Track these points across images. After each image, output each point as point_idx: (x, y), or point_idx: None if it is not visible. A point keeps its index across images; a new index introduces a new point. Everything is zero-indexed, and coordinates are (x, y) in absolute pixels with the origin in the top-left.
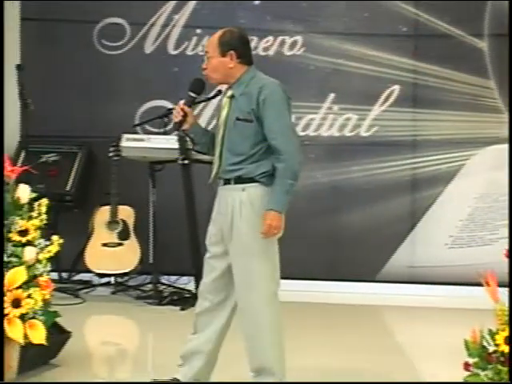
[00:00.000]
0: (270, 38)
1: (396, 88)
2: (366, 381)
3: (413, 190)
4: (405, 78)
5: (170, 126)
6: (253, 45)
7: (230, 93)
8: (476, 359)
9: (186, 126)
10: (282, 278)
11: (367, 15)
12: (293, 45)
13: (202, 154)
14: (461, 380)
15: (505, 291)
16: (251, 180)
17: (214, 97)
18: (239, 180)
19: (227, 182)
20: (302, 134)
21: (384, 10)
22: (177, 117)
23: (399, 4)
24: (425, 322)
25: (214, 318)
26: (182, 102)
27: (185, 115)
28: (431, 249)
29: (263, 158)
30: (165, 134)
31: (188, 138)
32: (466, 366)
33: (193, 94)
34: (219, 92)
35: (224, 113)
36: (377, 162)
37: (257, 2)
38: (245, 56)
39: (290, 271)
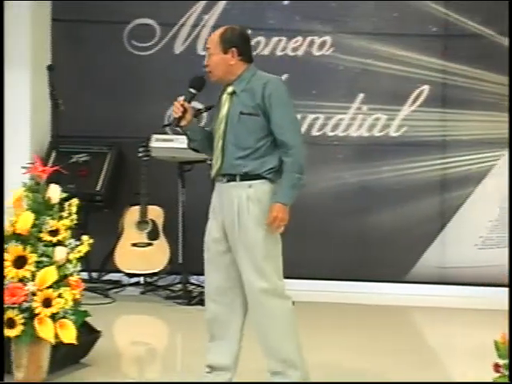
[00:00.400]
0: (299, 38)
1: (425, 88)
2: (395, 381)
3: (442, 190)
4: (434, 78)
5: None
6: (282, 45)
7: (230, 89)
8: (506, 360)
9: (183, 123)
10: (312, 278)
11: (396, 15)
12: (322, 45)
13: (195, 151)
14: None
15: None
16: (258, 177)
17: (206, 110)
18: (245, 177)
19: (232, 178)
20: (331, 134)
21: (413, 9)
22: (177, 112)
23: (429, 4)
24: (454, 322)
25: (230, 323)
26: (181, 98)
27: (184, 111)
28: (461, 249)
29: (268, 154)
30: None
31: (184, 135)
32: (496, 367)
33: (193, 91)
34: (211, 107)
35: (225, 109)
36: (406, 162)
37: (286, 2)
38: (245, 53)
39: (319, 271)
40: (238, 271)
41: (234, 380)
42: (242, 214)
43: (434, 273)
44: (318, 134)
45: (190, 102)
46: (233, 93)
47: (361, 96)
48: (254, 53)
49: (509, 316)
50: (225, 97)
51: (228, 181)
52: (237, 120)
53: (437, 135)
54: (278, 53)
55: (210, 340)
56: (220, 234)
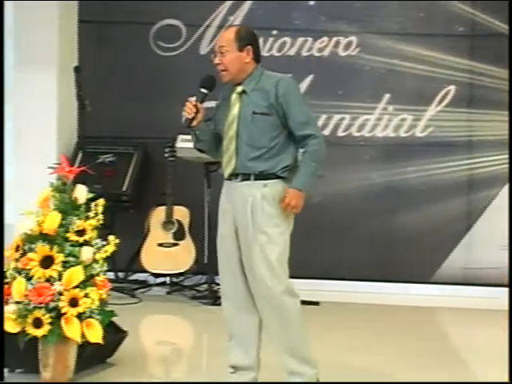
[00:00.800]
0: (325, 38)
1: (452, 88)
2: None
3: (469, 190)
4: (461, 78)
5: None
6: (307, 45)
7: (239, 89)
8: None
9: (194, 123)
10: (337, 278)
11: (423, 15)
12: (348, 45)
13: (201, 152)
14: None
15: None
16: (273, 176)
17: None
18: (260, 176)
19: (246, 177)
20: (356, 134)
21: (440, 9)
22: (189, 113)
23: (455, 4)
24: (480, 324)
25: (246, 322)
26: (193, 98)
27: (197, 112)
28: (487, 250)
29: (282, 152)
30: None
31: (193, 135)
32: None
33: (204, 91)
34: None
35: (235, 108)
36: (433, 162)
37: (311, 3)
38: (257, 53)
39: (345, 272)
40: (245, 270)
41: (259, 379)
42: (256, 212)
43: (460, 274)
44: (343, 134)
45: (202, 102)
46: (242, 92)
47: (387, 96)
48: (280, 53)
49: (509, 316)
50: (234, 96)
51: (242, 180)
52: (250, 120)
53: (463, 135)
54: (304, 53)
55: (229, 339)
56: (230, 232)
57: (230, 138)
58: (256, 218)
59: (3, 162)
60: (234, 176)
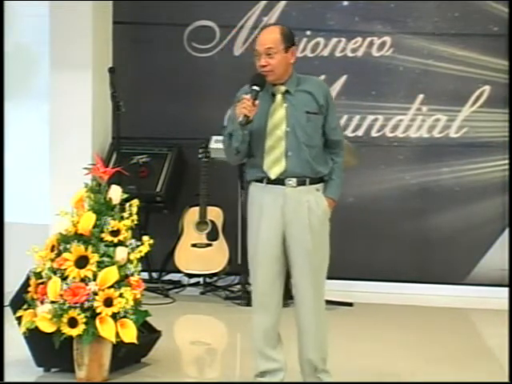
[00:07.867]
0: (359, 38)
1: (487, 88)
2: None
3: (504, 191)
4: (496, 78)
5: None
6: (341, 46)
7: (283, 89)
8: None
9: (250, 121)
10: (373, 280)
11: (457, 15)
12: (381, 46)
13: (237, 153)
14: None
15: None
16: (321, 180)
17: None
18: (314, 180)
19: (301, 182)
20: (390, 135)
21: (475, 9)
22: (250, 111)
23: (490, 3)
24: None
25: (276, 327)
26: (247, 96)
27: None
28: None
29: (326, 153)
30: None
31: (242, 135)
32: None
33: (257, 88)
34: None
35: (282, 109)
36: (467, 163)
37: (345, 3)
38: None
39: (380, 273)
40: (282, 275)
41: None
42: (313, 217)
43: (496, 275)
44: (377, 135)
45: (255, 99)
46: (286, 92)
47: (420, 97)
48: (314, 54)
49: (509, 316)
50: (279, 97)
51: (298, 184)
52: (305, 120)
53: (498, 136)
54: (338, 54)
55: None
56: (278, 238)
57: (277, 138)
58: (312, 223)
59: (3, 161)
60: (285, 179)
